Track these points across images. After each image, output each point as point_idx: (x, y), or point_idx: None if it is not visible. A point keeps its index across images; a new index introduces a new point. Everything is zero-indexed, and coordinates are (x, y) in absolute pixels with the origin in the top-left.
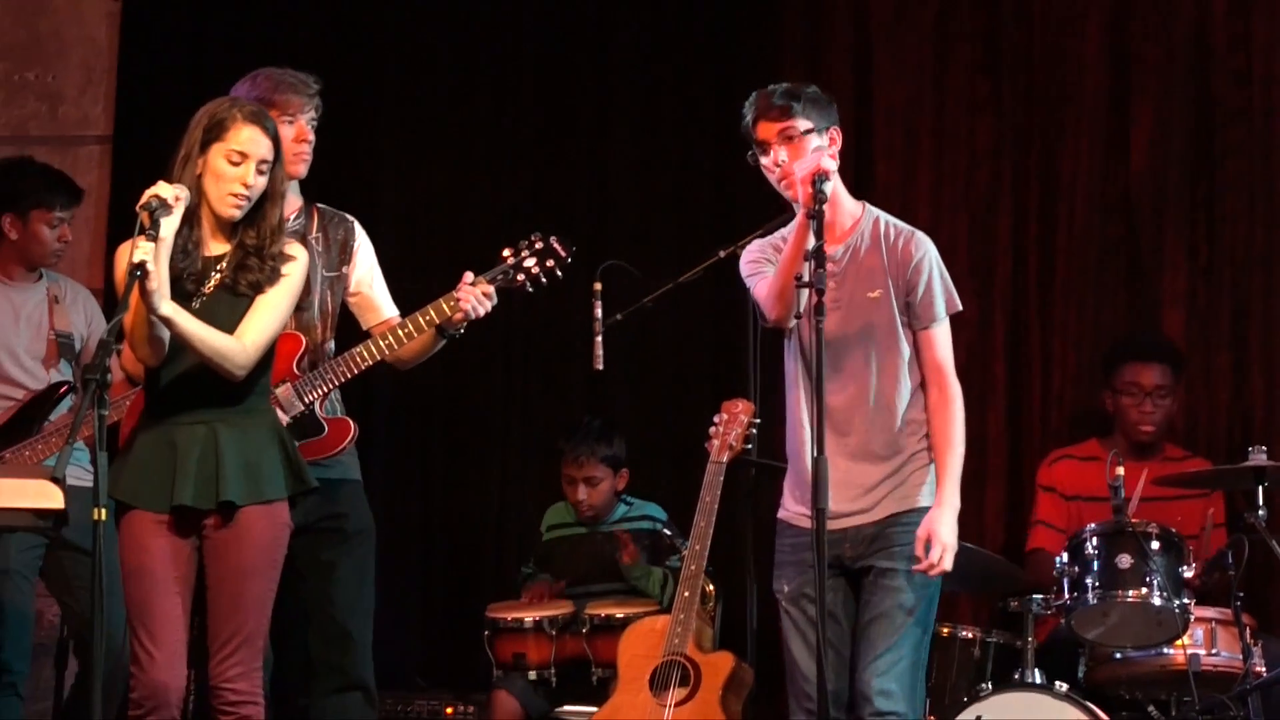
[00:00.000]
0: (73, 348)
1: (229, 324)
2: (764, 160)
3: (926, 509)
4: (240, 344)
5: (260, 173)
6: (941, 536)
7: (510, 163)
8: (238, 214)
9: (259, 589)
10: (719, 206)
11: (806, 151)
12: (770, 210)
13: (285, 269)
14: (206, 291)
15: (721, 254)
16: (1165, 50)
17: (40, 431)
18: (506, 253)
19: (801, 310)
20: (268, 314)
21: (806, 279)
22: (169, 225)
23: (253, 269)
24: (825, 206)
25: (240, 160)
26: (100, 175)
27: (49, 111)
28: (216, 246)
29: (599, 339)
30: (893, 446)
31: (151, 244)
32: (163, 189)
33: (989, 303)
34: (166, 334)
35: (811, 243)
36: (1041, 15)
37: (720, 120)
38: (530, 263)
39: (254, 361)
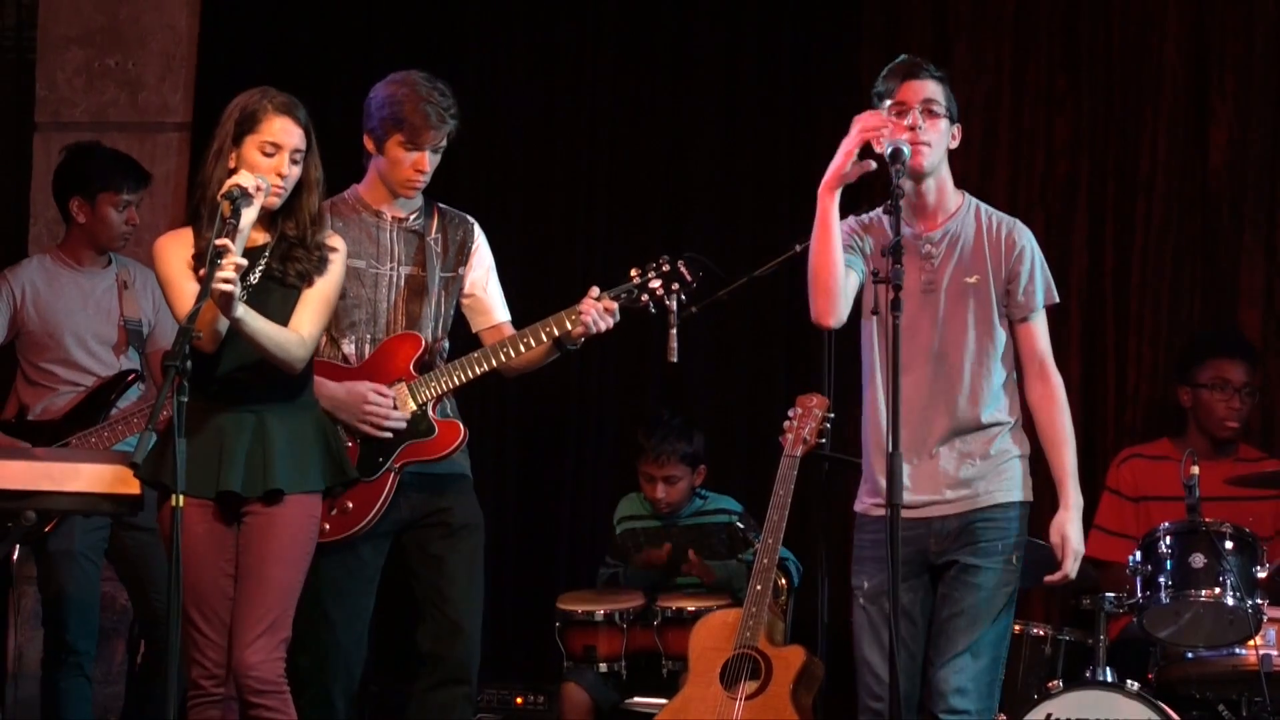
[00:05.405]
0: (140, 334)
1: (280, 315)
2: (897, 120)
3: (1012, 504)
4: (299, 337)
5: (294, 162)
6: (1073, 543)
7: (588, 154)
8: (276, 203)
9: (287, 577)
10: (796, 200)
11: (941, 130)
12: (848, 206)
13: (331, 259)
14: (253, 281)
15: (798, 248)
16: (1245, 47)
17: (107, 419)
18: (634, 272)
19: (878, 306)
20: (319, 306)
21: (883, 275)
22: (249, 215)
23: (300, 259)
24: (930, 192)
25: (274, 151)
26: (179, 162)
27: (129, 99)
28: (257, 236)
29: (673, 331)
30: (980, 437)
31: (230, 234)
32: (244, 178)
33: (1065, 299)
34: (226, 323)
35: (890, 237)
36: (1121, 12)
37: (798, 115)
38: (655, 284)
39: (310, 353)
